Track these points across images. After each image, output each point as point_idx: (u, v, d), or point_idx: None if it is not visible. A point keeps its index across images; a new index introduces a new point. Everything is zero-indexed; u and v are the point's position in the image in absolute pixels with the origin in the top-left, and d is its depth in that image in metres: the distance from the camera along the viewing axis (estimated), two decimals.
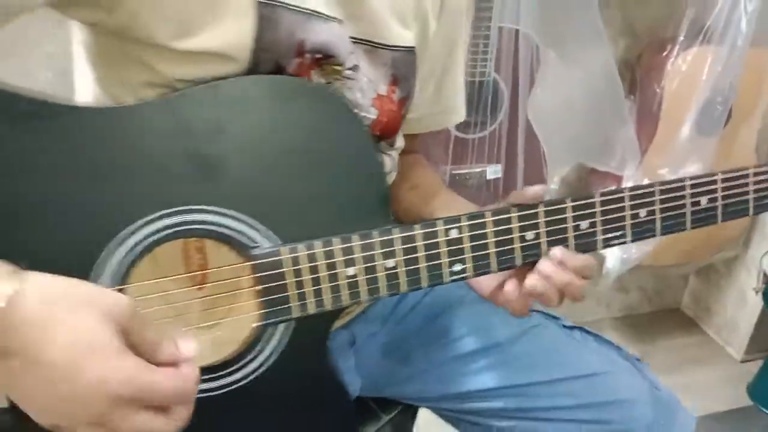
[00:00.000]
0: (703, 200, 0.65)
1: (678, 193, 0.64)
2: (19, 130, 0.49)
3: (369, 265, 0.57)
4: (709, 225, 0.66)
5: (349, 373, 0.76)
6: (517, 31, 1.35)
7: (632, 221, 0.63)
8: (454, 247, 0.60)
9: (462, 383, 0.82)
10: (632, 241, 0.64)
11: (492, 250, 0.61)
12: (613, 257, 1.55)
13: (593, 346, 0.86)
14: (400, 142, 0.78)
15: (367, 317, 0.79)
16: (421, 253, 0.59)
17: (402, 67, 0.71)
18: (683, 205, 0.65)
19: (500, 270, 0.62)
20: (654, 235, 0.65)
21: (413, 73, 0.72)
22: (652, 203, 0.64)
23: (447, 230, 0.59)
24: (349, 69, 0.65)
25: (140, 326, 0.46)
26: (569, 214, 0.62)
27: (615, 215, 0.63)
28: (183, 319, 0.55)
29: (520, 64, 1.37)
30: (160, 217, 0.53)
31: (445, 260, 0.60)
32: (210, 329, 0.56)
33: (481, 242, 0.60)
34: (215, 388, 0.56)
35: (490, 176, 1.45)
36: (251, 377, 0.57)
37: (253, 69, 0.58)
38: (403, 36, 0.70)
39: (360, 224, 0.57)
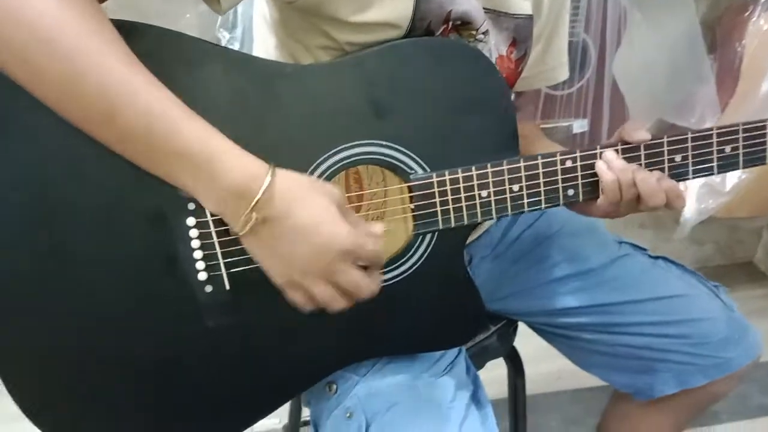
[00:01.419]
0: None
1: (758, 132, 0.76)
2: (235, 78, 0.66)
3: (499, 188, 0.72)
4: None
5: None
6: None
7: (718, 155, 0.76)
8: (569, 175, 0.73)
9: (556, 302, 0.96)
10: (718, 172, 0.77)
11: (597, 179, 0.74)
12: (690, 208, 1.64)
13: (676, 273, 0.99)
14: (513, 97, 0.91)
15: (480, 243, 0.93)
16: (541, 180, 0.73)
17: (521, 31, 0.83)
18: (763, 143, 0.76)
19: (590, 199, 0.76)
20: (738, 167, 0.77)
21: (530, 36, 0.85)
22: (736, 140, 0.75)
23: (563, 160, 0.73)
24: (482, 33, 0.79)
25: (348, 209, 0.63)
26: (665, 148, 0.74)
27: (704, 150, 0.75)
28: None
29: (608, 26, 1.47)
30: (346, 148, 0.69)
31: (560, 186, 0.74)
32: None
33: (590, 171, 0.74)
34: (384, 281, 0.73)
35: (576, 130, 1.57)
36: (405, 274, 0.73)
37: (409, 34, 0.73)
38: (523, 5, 0.82)
39: (494, 157, 0.71)
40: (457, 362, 0.83)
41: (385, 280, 0.73)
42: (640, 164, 0.75)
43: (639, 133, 0.75)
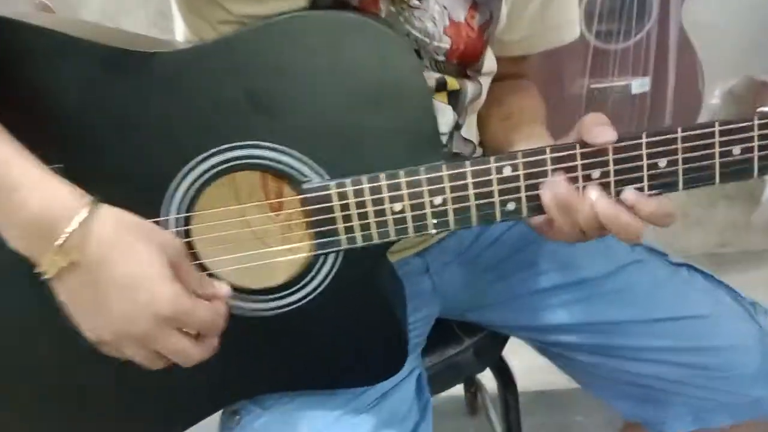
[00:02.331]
0: None
1: None
2: (96, 74, 0.55)
3: (416, 201, 0.57)
4: None
5: (423, 296, 0.78)
6: None
7: (722, 159, 0.56)
8: (508, 185, 0.57)
9: (542, 316, 0.80)
10: (721, 182, 0.57)
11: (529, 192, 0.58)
12: None
13: (701, 286, 0.80)
14: (488, 66, 0.74)
15: (442, 247, 0.79)
16: (471, 191, 0.57)
17: None
18: None
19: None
20: (751, 176, 0.57)
21: None
22: (749, 140, 0.56)
23: (500, 168, 0.57)
24: (417, 0, 0.63)
25: (187, 264, 0.53)
26: (644, 151, 0.56)
27: (700, 153, 0.56)
28: (241, 245, 0.60)
29: None
30: (220, 152, 0.57)
31: (497, 198, 0.58)
32: (267, 255, 0.61)
33: (537, 181, 0.57)
34: (273, 308, 0.61)
35: (635, 90, 1.33)
36: (305, 300, 0.61)
37: (315, 4, 0.59)
38: None
39: (410, 162, 0.57)
40: (395, 392, 0.70)
41: (279, 307, 0.61)
42: (608, 177, 0.57)
43: (602, 130, 0.56)
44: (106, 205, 0.51)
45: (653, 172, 0.57)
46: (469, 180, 0.57)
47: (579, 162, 0.56)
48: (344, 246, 0.59)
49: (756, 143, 0.56)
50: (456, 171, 0.57)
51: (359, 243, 0.59)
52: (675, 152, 0.56)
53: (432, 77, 0.68)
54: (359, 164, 0.57)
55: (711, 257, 1.79)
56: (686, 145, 0.56)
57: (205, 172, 0.57)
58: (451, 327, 0.85)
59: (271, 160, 0.57)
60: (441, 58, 0.68)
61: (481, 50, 0.70)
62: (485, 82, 0.76)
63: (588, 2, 1.24)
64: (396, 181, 0.57)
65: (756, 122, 0.55)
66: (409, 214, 0.58)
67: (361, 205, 0.57)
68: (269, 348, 0.63)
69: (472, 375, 0.92)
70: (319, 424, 0.65)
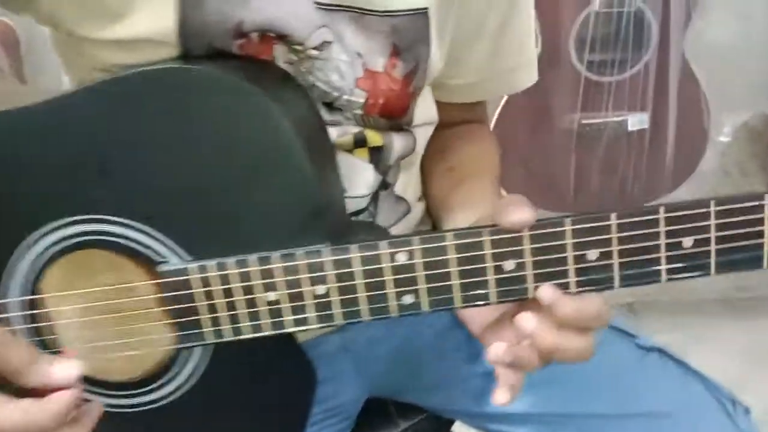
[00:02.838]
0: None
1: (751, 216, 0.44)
2: None
3: (294, 291, 0.47)
4: None
5: (343, 379, 0.67)
6: None
7: (669, 252, 0.45)
8: (404, 276, 0.47)
9: (485, 403, 0.69)
10: (669, 280, 0.46)
11: (455, 281, 0.47)
12: None
13: (673, 375, 0.68)
14: (423, 117, 0.64)
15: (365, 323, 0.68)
16: (359, 281, 0.47)
17: (406, 34, 0.57)
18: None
19: (467, 307, 0.48)
20: (707, 273, 0.46)
21: (425, 39, 0.58)
22: (703, 229, 0.44)
23: (393, 254, 0.46)
24: (315, 48, 0.53)
25: (6, 348, 0.43)
26: (569, 241, 0.45)
27: (641, 244, 0.45)
28: (94, 334, 0.51)
29: None
30: (66, 225, 0.48)
31: (391, 290, 0.47)
32: (123, 346, 0.51)
33: (438, 271, 0.47)
34: (134, 405, 0.52)
35: (632, 127, 1.21)
36: (171, 398, 0.51)
37: (188, 53, 0.50)
38: None
39: (288, 240, 0.47)
40: None
41: (145, 403, 0.52)
42: (524, 269, 0.45)
43: (516, 209, 0.45)
44: None
45: (581, 265, 0.46)
46: (357, 267, 0.47)
47: (488, 251, 0.46)
48: (209, 339, 0.49)
49: (713, 234, 0.45)
50: (341, 257, 0.46)
51: (227, 336, 0.49)
52: (609, 242, 0.45)
53: (349, 132, 0.59)
54: (226, 244, 0.47)
55: (725, 303, 1.66)
56: (623, 234, 0.45)
57: (50, 246, 0.48)
58: (385, 407, 0.74)
59: (121, 236, 0.48)
60: (359, 112, 0.58)
61: (406, 103, 0.60)
62: (421, 133, 0.65)
63: (579, 29, 1.13)
64: (269, 266, 0.47)
65: (713, 209, 0.44)
66: (287, 306, 0.48)
67: (228, 292, 0.48)
68: None
69: None
70: None
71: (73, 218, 0.47)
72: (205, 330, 0.49)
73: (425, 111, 0.65)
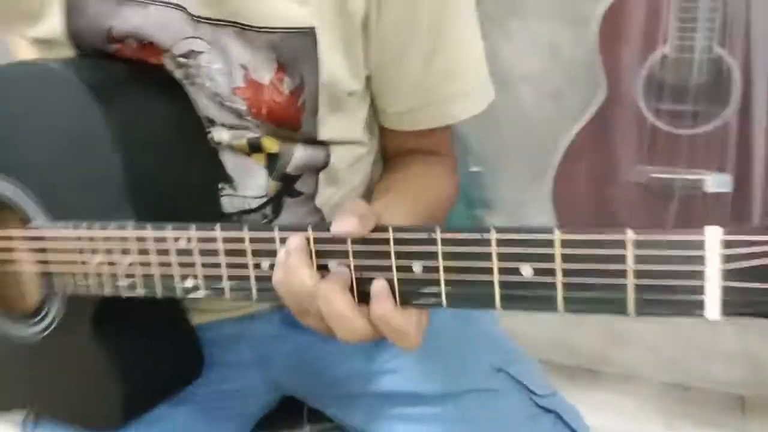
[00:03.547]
0: None
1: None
2: None
3: (110, 258, 0.54)
4: None
5: (239, 367, 0.72)
6: None
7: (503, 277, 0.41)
8: (185, 259, 0.51)
9: (376, 424, 0.69)
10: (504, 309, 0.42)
11: (224, 272, 0.50)
12: None
13: None
14: (335, 135, 0.66)
15: (266, 317, 0.72)
16: (153, 258, 0.53)
17: (287, 52, 0.61)
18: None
19: (235, 299, 0.51)
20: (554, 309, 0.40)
21: (309, 57, 0.61)
22: (545, 258, 0.40)
23: (176, 238, 0.51)
24: (182, 56, 0.60)
25: None
26: (392, 248, 0.44)
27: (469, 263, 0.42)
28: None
29: (757, 40, 0.97)
30: None
31: (176, 272, 0.52)
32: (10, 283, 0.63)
33: (212, 260, 0.50)
34: (29, 334, 0.63)
35: (711, 188, 1.08)
36: (44, 334, 0.62)
37: (80, 53, 0.61)
38: (288, 14, 0.60)
39: (102, 215, 0.54)
40: None
41: (25, 336, 0.63)
42: (348, 269, 0.47)
43: (340, 220, 0.46)
44: None
45: (405, 276, 0.44)
46: (151, 245, 0.52)
47: (249, 246, 0.49)
48: (59, 290, 0.58)
49: (559, 265, 0.40)
50: (139, 233, 0.52)
51: (68, 291, 0.57)
52: (435, 256, 0.44)
53: (245, 137, 0.64)
54: (73, 210, 0.56)
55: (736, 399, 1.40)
56: (449, 249, 0.43)
57: None
58: (299, 408, 0.77)
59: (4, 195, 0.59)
60: (248, 117, 0.63)
61: (295, 116, 0.64)
62: (339, 150, 0.68)
63: (648, 74, 1.04)
64: (92, 233, 0.54)
65: (558, 237, 0.40)
66: (106, 270, 0.55)
67: (68, 251, 0.56)
68: (25, 371, 0.65)
69: None
70: None
71: None
72: (55, 281, 0.58)
73: (340, 129, 0.67)
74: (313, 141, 0.66)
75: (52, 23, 0.60)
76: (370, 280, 0.45)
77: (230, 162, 0.65)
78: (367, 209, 0.46)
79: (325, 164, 0.68)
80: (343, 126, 0.68)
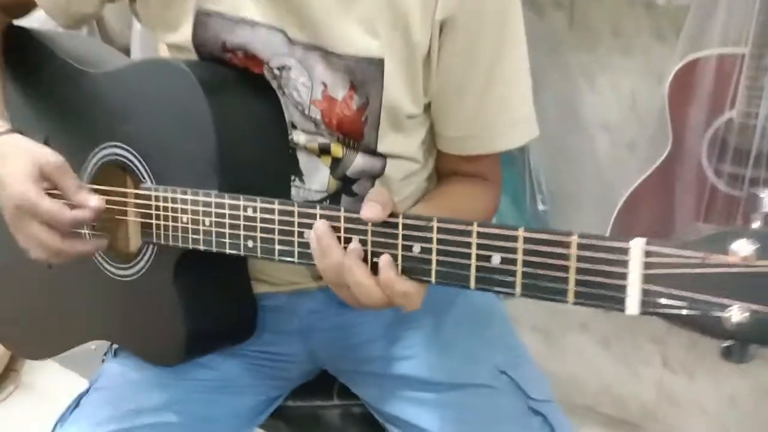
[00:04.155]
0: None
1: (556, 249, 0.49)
2: (59, 79, 0.83)
3: (194, 217, 0.69)
4: None
5: (286, 335, 0.85)
6: None
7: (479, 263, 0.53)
8: (249, 224, 0.65)
9: (402, 405, 0.79)
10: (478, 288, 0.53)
11: (276, 237, 0.63)
12: None
13: None
14: (391, 149, 0.78)
15: (312, 295, 0.84)
16: (226, 220, 0.67)
17: (359, 75, 0.74)
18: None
19: (282, 260, 0.63)
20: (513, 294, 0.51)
21: (376, 82, 0.74)
22: (512, 250, 0.50)
23: (245, 206, 0.65)
24: (278, 69, 0.74)
25: (60, 176, 0.71)
26: (400, 231, 0.56)
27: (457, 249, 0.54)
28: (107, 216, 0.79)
29: None
30: (106, 147, 0.78)
31: (241, 233, 0.66)
32: (120, 231, 0.79)
33: (268, 226, 0.64)
34: (122, 275, 0.79)
35: None
36: (133, 277, 0.77)
37: (200, 58, 0.77)
38: (363, 45, 0.72)
39: (196, 184, 0.69)
40: (238, 393, 0.81)
41: (120, 276, 0.78)
42: (366, 245, 0.59)
43: (368, 206, 0.58)
44: (16, 133, 0.75)
45: (407, 254, 0.57)
46: (227, 210, 0.67)
47: (296, 218, 0.62)
48: (155, 240, 0.73)
49: (520, 257, 0.50)
50: (218, 200, 0.67)
51: (161, 241, 0.72)
52: (430, 240, 0.55)
53: (317, 141, 0.78)
54: (173, 177, 0.71)
55: None
56: (441, 236, 0.55)
57: (100, 158, 0.79)
58: (332, 383, 0.88)
59: (126, 158, 0.76)
60: (322, 126, 0.77)
61: (360, 128, 0.76)
62: (394, 163, 0.80)
63: (713, 134, 1.09)
64: (184, 196, 0.69)
65: (521, 234, 0.50)
66: (191, 227, 0.69)
67: (165, 209, 0.72)
68: (108, 306, 0.81)
69: None
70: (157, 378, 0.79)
71: (111, 143, 0.77)
72: (153, 232, 0.73)
73: (398, 145, 0.79)
74: (372, 152, 0.78)
75: (184, 33, 0.76)
76: (381, 254, 0.57)
77: (303, 160, 0.78)
78: (387, 198, 0.58)
79: (380, 173, 0.80)
80: (400, 143, 0.79)
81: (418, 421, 0.76)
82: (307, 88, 0.75)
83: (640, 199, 1.18)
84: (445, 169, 0.86)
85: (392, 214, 0.57)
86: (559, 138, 1.41)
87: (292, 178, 0.79)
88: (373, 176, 0.80)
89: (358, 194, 0.81)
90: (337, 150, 0.78)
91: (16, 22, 0.90)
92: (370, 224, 0.58)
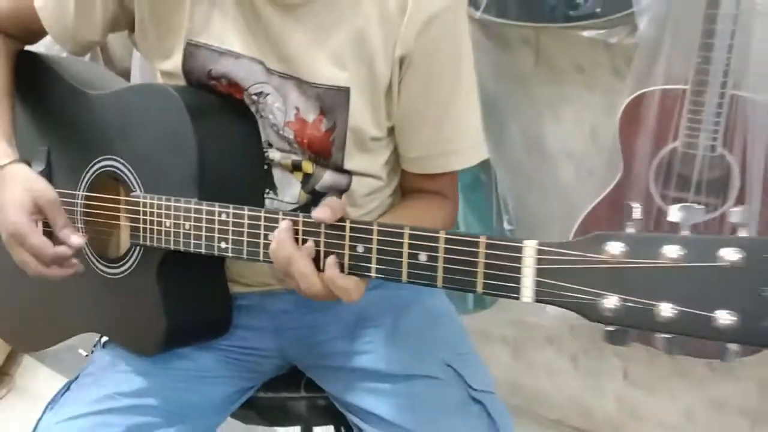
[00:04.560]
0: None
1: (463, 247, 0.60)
2: (63, 100, 0.93)
3: (176, 222, 0.79)
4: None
5: (259, 331, 0.94)
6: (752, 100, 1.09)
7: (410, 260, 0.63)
8: (222, 227, 0.75)
9: (355, 396, 0.88)
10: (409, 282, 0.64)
11: (245, 239, 0.73)
12: None
13: (479, 427, 0.80)
14: (357, 167, 0.89)
15: (281, 296, 0.93)
16: (203, 224, 0.76)
17: (328, 101, 0.84)
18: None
19: (249, 259, 0.73)
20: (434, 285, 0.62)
21: (342, 107, 0.84)
22: (434, 249, 0.61)
23: (219, 212, 0.75)
24: (255, 95, 0.85)
25: (51, 211, 0.82)
26: (347, 233, 0.67)
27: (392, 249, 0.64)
28: (101, 222, 0.89)
29: (753, 140, 1.10)
30: (103, 159, 0.88)
31: (216, 235, 0.76)
32: (114, 234, 0.89)
33: (239, 229, 0.74)
34: (111, 273, 0.88)
35: None
36: (122, 275, 0.86)
37: (189, 84, 0.87)
38: (332, 76, 0.83)
39: (178, 193, 0.79)
40: (210, 382, 0.90)
41: (109, 274, 0.88)
42: (318, 245, 0.70)
43: (320, 209, 0.69)
44: (18, 164, 0.85)
45: (352, 253, 0.67)
46: (203, 215, 0.76)
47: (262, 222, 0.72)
48: (142, 242, 0.83)
49: (441, 255, 0.61)
50: (194, 206, 0.77)
51: (147, 243, 0.82)
52: (371, 241, 0.66)
53: (290, 158, 0.88)
54: (160, 187, 0.81)
55: None
56: (380, 238, 0.65)
57: (95, 170, 0.89)
58: (300, 377, 0.97)
59: (118, 170, 0.86)
60: (295, 145, 0.87)
61: (328, 148, 0.86)
62: (358, 180, 0.90)
63: (660, 161, 1.19)
64: (167, 203, 0.79)
65: (442, 235, 0.61)
66: (172, 230, 0.79)
67: (151, 214, 0.81)
68: (97, 301, 0.90)
69: (309, 426, 1.01)
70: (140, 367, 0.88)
71: (107, 156, 0.87)
72: (140, 235, 0.83)
73: (363, 164, 0.89)
74: (339, 169, 0.89)
75: (175, 62, 0.86)
76: (331, 253, 0.67)
77: (277, 175, 0.89)
78: (338, 204, 0.68)
79: (347, 188, 0.90)
80: (365, 162, 0.90)
81: (374, 409, 0.84)
82: (281, 111, 0.85)
83: (595, 219, 1.28)
84: (407, 186, 0.96)
85: (342, 219, 0.67)
86: (526, 164, 1.51)
87: (267, 191, 0.89)
88: (340, 191, 0.90)
89: None
90: (307, 167, 0.88)
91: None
92: (322, 226, 0.68)
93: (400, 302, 0.92)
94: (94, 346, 0.96)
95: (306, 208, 0.90)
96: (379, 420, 0.84)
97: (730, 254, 0.50)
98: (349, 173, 0.90)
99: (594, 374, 1.66)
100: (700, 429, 1.54)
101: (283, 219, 0.70)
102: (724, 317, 0.50)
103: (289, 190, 0.89)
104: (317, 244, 0.69)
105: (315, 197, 0.90)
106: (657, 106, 1.17)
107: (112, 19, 0.90)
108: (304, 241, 0.69)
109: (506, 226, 1.44)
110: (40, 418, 0.86)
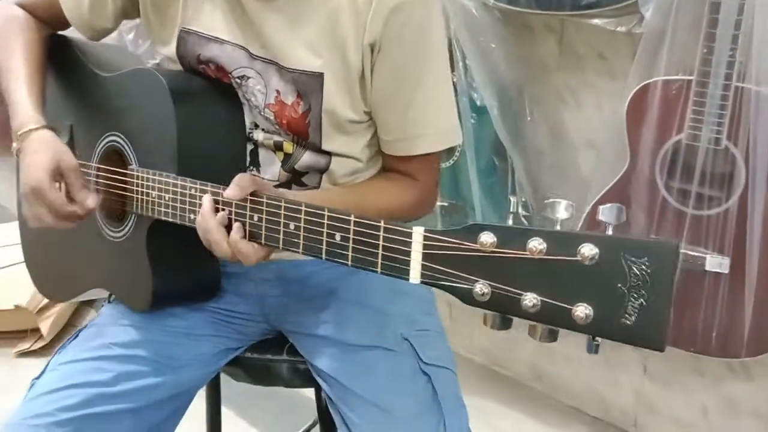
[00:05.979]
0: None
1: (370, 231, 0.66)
2: (82, 80, 1.04)
3: (159, 194, 0.88)
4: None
5: (244, 297, 1.02)
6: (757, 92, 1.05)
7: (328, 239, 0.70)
8: (192, 200, 0.84)
9: (316, 358, 0.95)
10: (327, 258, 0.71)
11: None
12: None
13: (418, 394, 0.86)
14: (336, 149, 0.95)
15: (264, 266, 0.97)
16: (178, 197, 0.85)
17: (303, 86, 0.91)
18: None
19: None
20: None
21: (317, 92, 0.91)
22: (347, 230, 0.68)
23: (190, 187, 0.84)
24: (238, 78, 0.92)
25: (71, 175, 0.92)
26: (264, 207, 0.75)
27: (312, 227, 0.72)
28: (106, 191, 0.99)
29: (758, 134, 1.07)
30: (109, 135, 0.98)
31: (188, 207, 0.84)
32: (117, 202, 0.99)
33: (198, 202, 0.83)
34: (114, 236, 0.99)
35: (709, 267, 1.17)
36: (122, 238, 0.97)
37: (183, 68, 0.96)
38: (308, 62, 0.90)
39: (162, 168, 0.88)
40: (198, 341, 0.99)
41: (112, 237, 0.98)
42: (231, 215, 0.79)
43: (230, 188, 0.78)
44: (46, 129, 0.95)
45: (251, 222, 0.76)
46: (179, 189, 0.85)
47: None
48: (136, 211, 0.93)
49: (351, 236, 0.67)
50: (177, 181, 0.86)
51: (139, 212, 0.92)
52: (299, 220, 0.73)
53: (272, 138, 0.95)
54: (153, 162, 0.91)
55: None
56: (307, 217, 0.72)
57: (105, 144, 1.00)
58: (285, 342, 1.04)
59: (122, 144, 0.96)
60: (276, 126, 0.94)
61: (305, 129, 0.92)
62: (337, 161, 0.96)
63: (665, 154, 1.17)
64: (153, 176, 0.89)
65: (353, 219, 0.68)
66: (160, 201, 0.88)
67: (142, 186, 0.91)
68: (101, 260, 1.01)
69: (282, 386, 1.08)
70: (136, 321, 0.98)
71: (112, 132, 0.98)
72: (135, 203, 0.93)
73: (342, 146, 0.95)
74: (318, 150, 0.95)
75: (170, 48, 0.95)
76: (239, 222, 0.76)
77: (262, 154, 0.96)
78: (246, 181, 0.77)
79: (326, 168, 0.96)
80: (344, 143, 0.95)
81: (335, 375, 0.91)
82: (262, 94, 0.92)
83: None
84: (386, 166, 1.01)
85: (254, 194, 0.76)
86: (547, 151, 1.51)
87: (251, 168, 0.97)
88: (320, 171, 0.97)
89: (308, 185, 0.98)
90: (288, 147, 0.95)
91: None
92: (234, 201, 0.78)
93: (372, 281, 0.97)
94: (105, 300, 1.08)
95: (287, 185, 0.98)
96: (339, 385, 0.91)
97: (589, 250, 0.53)
98: (328, 154, 0.96)
99: (614, 366, 1.66)
100: (715, 428, 1.51)
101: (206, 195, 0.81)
102: (582, 310, 0.53)
103: (270, 168, 0.96)
104: (230, 214, 0.79)
105: (295, 176, 0.97)
106: (663, 97, 1.15)
107: (122, 9, 1.00)
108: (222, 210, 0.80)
109: (521, 211, 1.46)
110: (51, 358, 0.98)
